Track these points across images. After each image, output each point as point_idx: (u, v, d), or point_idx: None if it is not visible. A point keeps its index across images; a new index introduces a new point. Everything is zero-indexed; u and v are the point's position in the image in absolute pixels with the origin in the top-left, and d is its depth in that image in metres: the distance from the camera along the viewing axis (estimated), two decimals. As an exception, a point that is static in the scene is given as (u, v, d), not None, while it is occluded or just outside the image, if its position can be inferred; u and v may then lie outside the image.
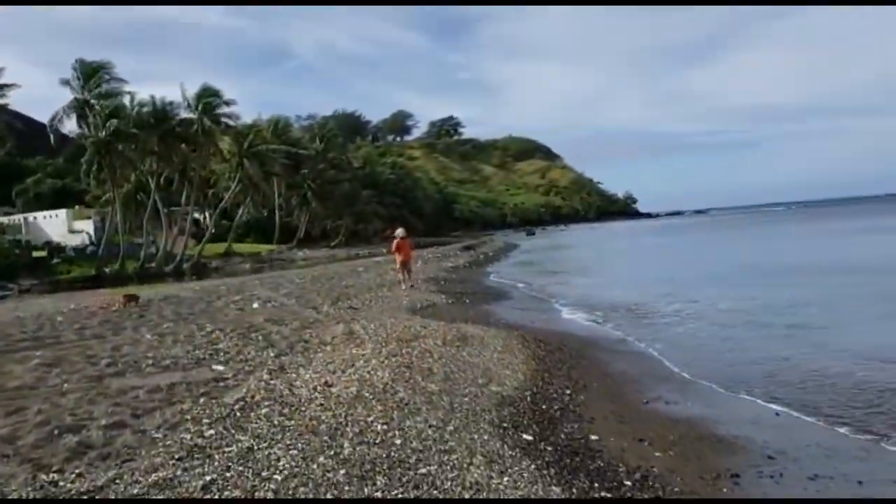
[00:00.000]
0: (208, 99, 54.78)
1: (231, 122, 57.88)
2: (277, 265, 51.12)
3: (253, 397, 8.03)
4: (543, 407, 8.29)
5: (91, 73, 47.35)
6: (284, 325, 13.58)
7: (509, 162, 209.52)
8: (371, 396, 8.11)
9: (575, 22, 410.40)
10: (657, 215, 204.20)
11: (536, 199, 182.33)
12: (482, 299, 20.90)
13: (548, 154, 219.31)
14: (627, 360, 11.72)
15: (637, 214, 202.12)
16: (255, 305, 17.31)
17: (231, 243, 62.81)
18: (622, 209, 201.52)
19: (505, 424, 7.33)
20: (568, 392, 9.13)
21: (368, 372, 9.34)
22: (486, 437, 6.74)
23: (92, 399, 7.92)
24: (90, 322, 14.36)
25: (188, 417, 7.21)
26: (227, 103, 56.58)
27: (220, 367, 9.60)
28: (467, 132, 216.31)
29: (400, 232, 23.02)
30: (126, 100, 49.46)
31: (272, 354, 10.52)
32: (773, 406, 8.61)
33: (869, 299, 17.41)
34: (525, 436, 7.05)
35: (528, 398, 8.61)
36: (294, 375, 9.18)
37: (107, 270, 44.44)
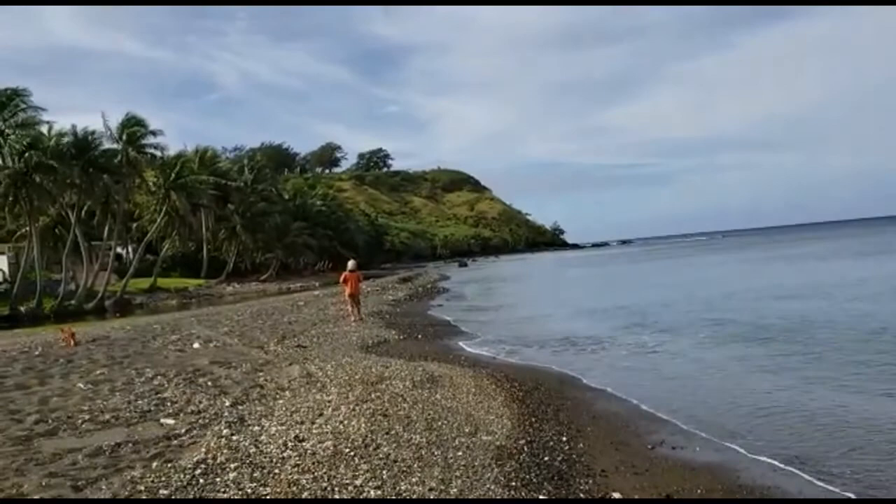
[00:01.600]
0: (133, 129, 52.42)
1: (157, 153, 55.66)
2: (206, 301, 49.09)
3: (215, 458, 6.91)
4: (546, 459, 7.43)
5: (6, 102, 44.70)
6: (233, 368, 12.36)
7: (439, 193, 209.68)
8: (351, 452, 7.11)
9: (498, 59, 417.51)
10: (584, 246, 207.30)
11: (466, 231, 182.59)
12: (434, 334, 19.99)
13: (476, 186, 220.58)
14: (608, 399, 10.97)
15: (565, 245, 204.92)
16: (196, 346, 15.94)
17: (156, 278, 60.08)
18: (550, 240, 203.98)
19: (513, 483, 6.44)
20: (564, 439, 8.30)
21: (341, 422, 8.32)
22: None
23: (20, 468, 6.65)
24: (11, 370, 12.77)
25: (141, 489, 6.06)
26: (154, 133, 54.35)
27: (170, 421, 8.40)
28: (397, 165, 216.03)
29: (351, 265, 23.12)
30: (44, 129, 46.95)
31: (227, 403, 9.34)
32: (780, 463, 7.97)
33: (821, 327, 17.23)
34: (540, 496, 6.17)
35: (526, 448, 7.75)
36: (258, 428, 8.08)
37: (22, 309, 41.56)
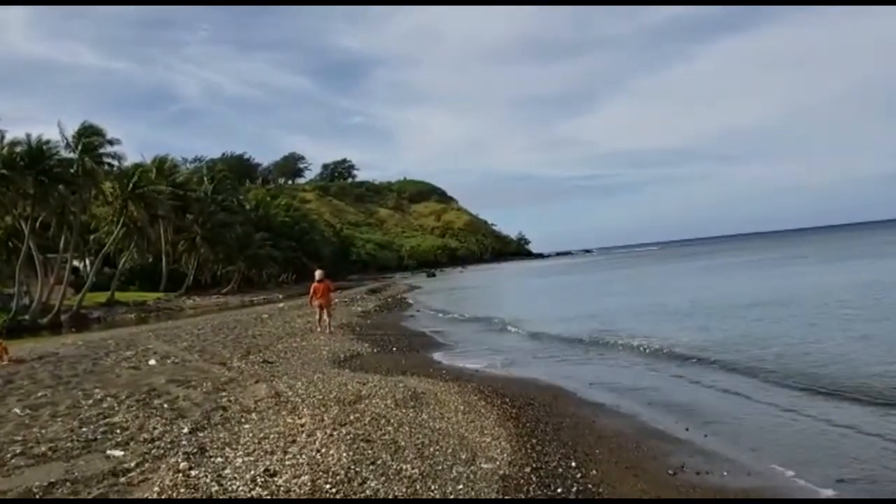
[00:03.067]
0: (90, 138, 50.58)
1: (114, 163, 53.78)
2: (165, 315, 47.37)
3: (170, 498, 5.76)
4: (559, 490, 6.41)
5: (-48, 107, 42.72)
6: (193, 388, 11.13)
7: (405, 204, 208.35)
8: (333, 489, 6.03)
9: (463, 72, 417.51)
10: (548, 255, 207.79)
11: (432, 242, 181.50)
12: (410, 346, 18.91)
13: (443, 196, 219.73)
14: (608, 415, 10.00)
15: (530, 255, 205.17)
16: (153, 362, 14.64)
17: (114, 292, 57.91)
18: (516, 250, 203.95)
19: (530, 524, 5.40)
20: (573, 465, 7.29)
21: (318, 451, 7.21)
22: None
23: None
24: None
25: (76, 543, 4.91)
26: (111, 142, 52.51)
27: (119, 453, 7.21)
28: (362, 175, 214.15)
29: (318, 274, 22.38)
30: (-6, 137, 44.97)
31: (185, 429, 8.15)
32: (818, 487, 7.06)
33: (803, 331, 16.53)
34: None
35: (534, 478, 6.72)
36: (221, 460, 6.93)
37: (-29, 325, 39.45)
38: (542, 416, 9.68)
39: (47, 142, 48.20)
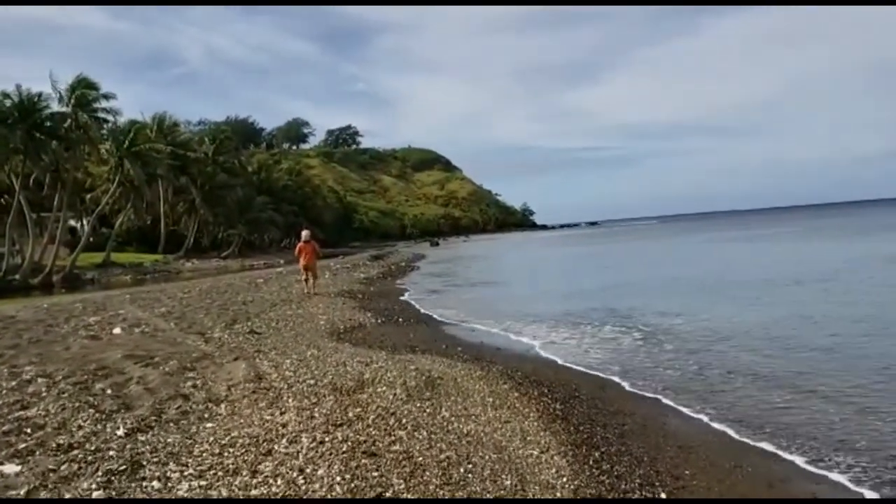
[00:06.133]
0: (84, 91, 47.95)
1: (110, 118, 51.12)
2: (162, 277, 45.37)
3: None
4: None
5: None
6: (153, 366, 8.92)
7: (409, 172, 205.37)
8: (318, 543, 3.83)
9: (468, 40, 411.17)
10: (553, 227, 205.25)
11: (436, 210, 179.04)
12: (417, 318, 16.76)
13: (447, 165, 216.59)
14: (678, 416, 7.79)
15: (534, 226, 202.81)
16: (117, 331, 12.43)
17: (110, 253, 55.73)
18: (520, 221, 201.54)
19: None
20: (662, 496, 5.12)
21: (301, 471, 5.04)
22: None
23: None
24: None
25: None
26: (106, 97, 49.65)
27: (11, 469, 5.01)
28: (365, 143, 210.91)
29: (304, 234, 21.50)
30: (-15, 90, 42.45)
31: (120, 431, 5.94)
32: None
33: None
34: None
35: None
36: (157, 485, 4.74)
37: (-42, 285, 37.44)
38: (595, 415, 7.51)
39: (38, 94, 45.71)
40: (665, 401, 8.42)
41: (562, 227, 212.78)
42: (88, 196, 60.96)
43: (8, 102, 43.89)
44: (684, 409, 7.98)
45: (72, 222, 59.74)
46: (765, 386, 8.88)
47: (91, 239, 54.00)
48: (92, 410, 6.55)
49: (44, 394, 7.23)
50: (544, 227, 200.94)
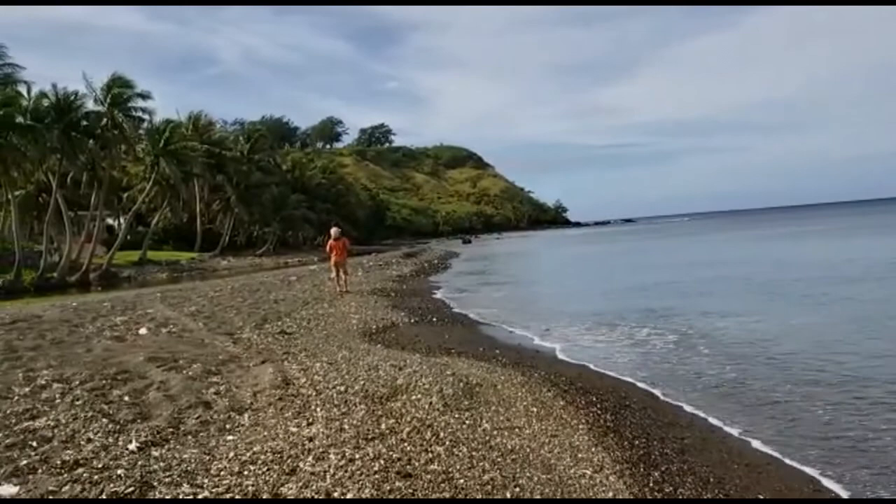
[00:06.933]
0: (119, 90, 48.04)
1: (145, 117, 51.23)
2: (198, 274, 45.48)
3: None
4: None
5: (-24, 56, 40.52)
6: (177, 370, 8.45)
7: (441, 170, 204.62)
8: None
9: (498, 37, 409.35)
10: (587, 224, 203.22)
11: (468, 208, 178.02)
12: (453, 317, 16.16)
13: (479, 162, 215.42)
14: (738, 426, 7.12)
15: (567, 223, 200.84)
16: (143, 331, 12.05)
17: (146, 251, 56.04)
18: (553, 218, 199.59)
19: None
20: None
21: (329, 494, 4.48)
22: None
23: None
24: None
25: None
26: (142, 96, 49.69)
27: (11, 489, 4.54)
28: (398, 141, 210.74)
29: (335, 231, 21.30)
30: (23, 89, 42.74)
31: (132, 445, 5.43)
32: None
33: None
34: None
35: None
36: (167, 511, 4.23)
37: (-1, 282, 37.73)
38: (649, 427, 6.86)
39: (74, 93, 45.89)
40: (722, 411, 7.74)
41: (596, 224, 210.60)
42: (125, 194, 61.39)
43: (45, 102, 44.13)
44: (745, 421, 7.30)
45: (109, 220, 60.21)
46: (831, 400, 8.14)
47: (128, 237, 54.32)
48: (105, 420, 6.07)
49: (57, 401, 6.78)
50: (578, 225, 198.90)
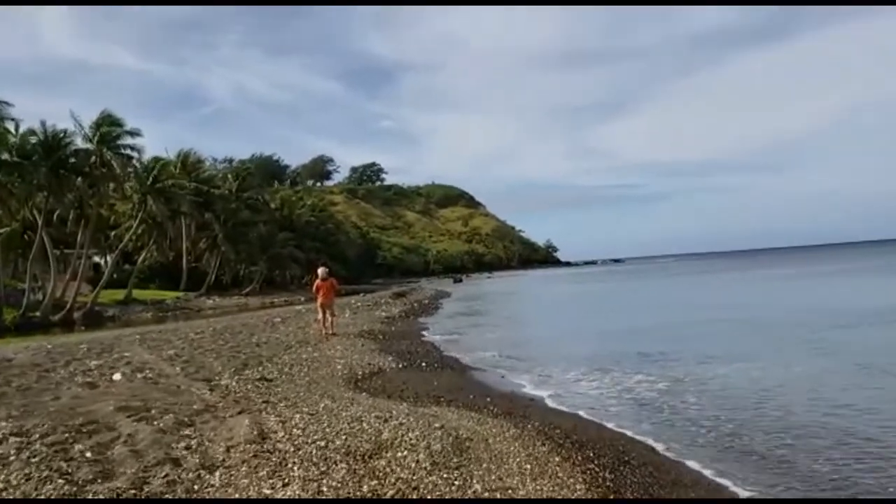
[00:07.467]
0: (108, 128, 47.78)
1: (134, 155, 50.87)
2: (183, 314, 44.82)
3: None
4: None
5: (-39, 92, 40.20)
6: (148, 421, 7.93)
7: (432, 209, 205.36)
8: None
9: (492, 78, 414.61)
10: (577, 264, 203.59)
11: (459, 247, 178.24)
12: (442, 362, 15.63)
13: (470, 201, 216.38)
14: (744, 484, 6.68)
15: (558, 263, 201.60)
16: (117, 377, 11.50)
17: (132, 290, 55.32)
18: (544, 258, 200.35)
19: None
20: None
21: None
22: None
23: None
24: None
25: None
26: (131, 133, 49.47)
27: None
28: (390, 180, 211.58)
29: (322, 272, 20.82)
30: (10, 125, 42.41)
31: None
32: None
33: None
34: None
35: None
36: None
37: (-23, 321, 36.94)
38: (652, 487, 6.42)
39: (63, 131, 45.54)
40: (726, 466, 7.30)
41: (585, 263, 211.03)
42: (113, 233, 60.85)
43: (33, 139, 43.84)
44: (750, 478, 6.86)
45: (96, 259, 59.61)
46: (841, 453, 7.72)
47: (114, 275, 53.60)
48: (62, 482, 5.56)
49: (11, 458, 6.25)
50: (568, 264, 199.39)
